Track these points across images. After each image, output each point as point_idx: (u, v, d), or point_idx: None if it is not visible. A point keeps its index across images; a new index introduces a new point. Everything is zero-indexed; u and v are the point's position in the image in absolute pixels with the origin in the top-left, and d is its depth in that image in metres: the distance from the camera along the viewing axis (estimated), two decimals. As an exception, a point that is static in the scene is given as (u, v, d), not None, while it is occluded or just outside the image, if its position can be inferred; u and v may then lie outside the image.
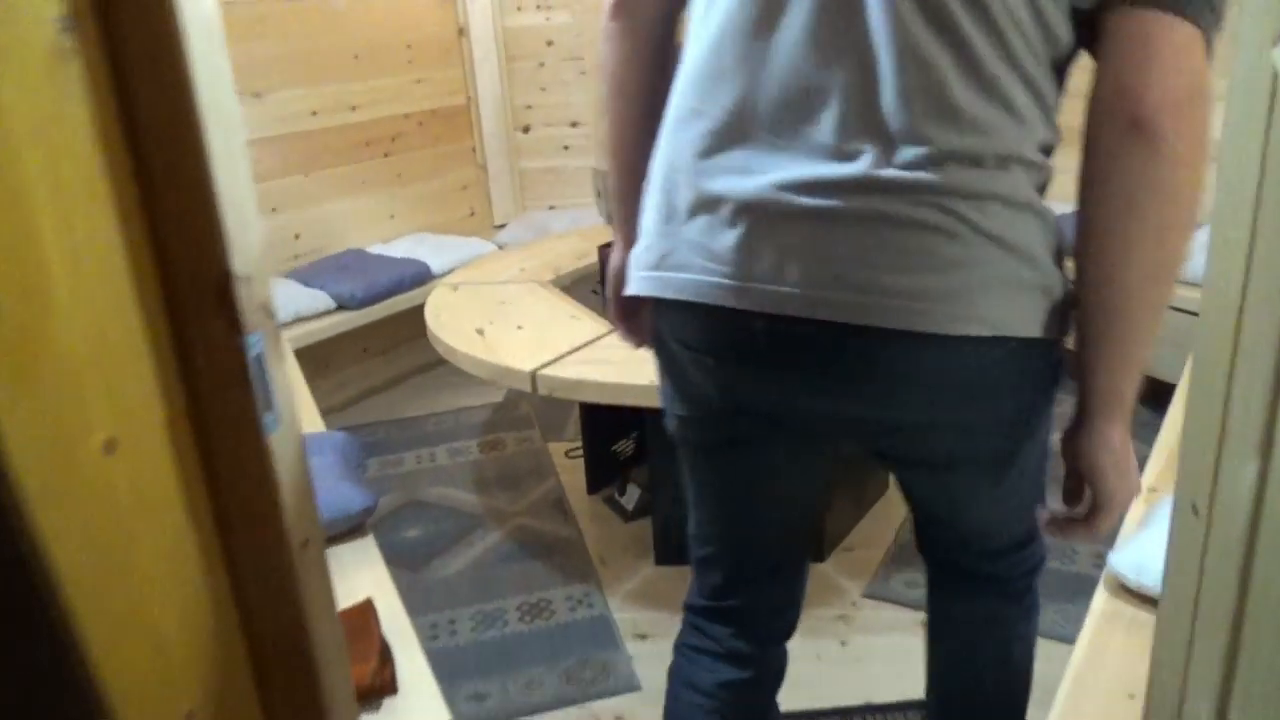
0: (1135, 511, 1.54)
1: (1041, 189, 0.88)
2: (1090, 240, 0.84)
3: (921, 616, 1.97)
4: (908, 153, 0.82)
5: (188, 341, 0.65)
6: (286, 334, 2.82)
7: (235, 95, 0.65)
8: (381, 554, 2.39)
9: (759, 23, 0.87)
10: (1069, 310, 0.90)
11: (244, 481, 0.69)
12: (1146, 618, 1.28)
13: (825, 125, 0.85)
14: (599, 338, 2.01)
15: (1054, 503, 1.00)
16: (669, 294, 0.94)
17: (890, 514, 2.40)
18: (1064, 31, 0.83)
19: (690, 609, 1.19)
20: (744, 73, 0.88)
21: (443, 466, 2.84)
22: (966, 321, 0.82)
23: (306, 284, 3.06)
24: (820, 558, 2.21)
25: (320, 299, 2.98)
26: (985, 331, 0.83)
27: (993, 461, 0.97)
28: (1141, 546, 1.34)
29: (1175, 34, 0.76)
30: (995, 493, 1.01)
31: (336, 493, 1.65)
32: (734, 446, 1.04)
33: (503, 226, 3.99)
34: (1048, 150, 0.87)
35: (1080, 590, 1.98)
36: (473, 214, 4.05)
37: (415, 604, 2.18)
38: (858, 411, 0.91)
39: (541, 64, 3.97)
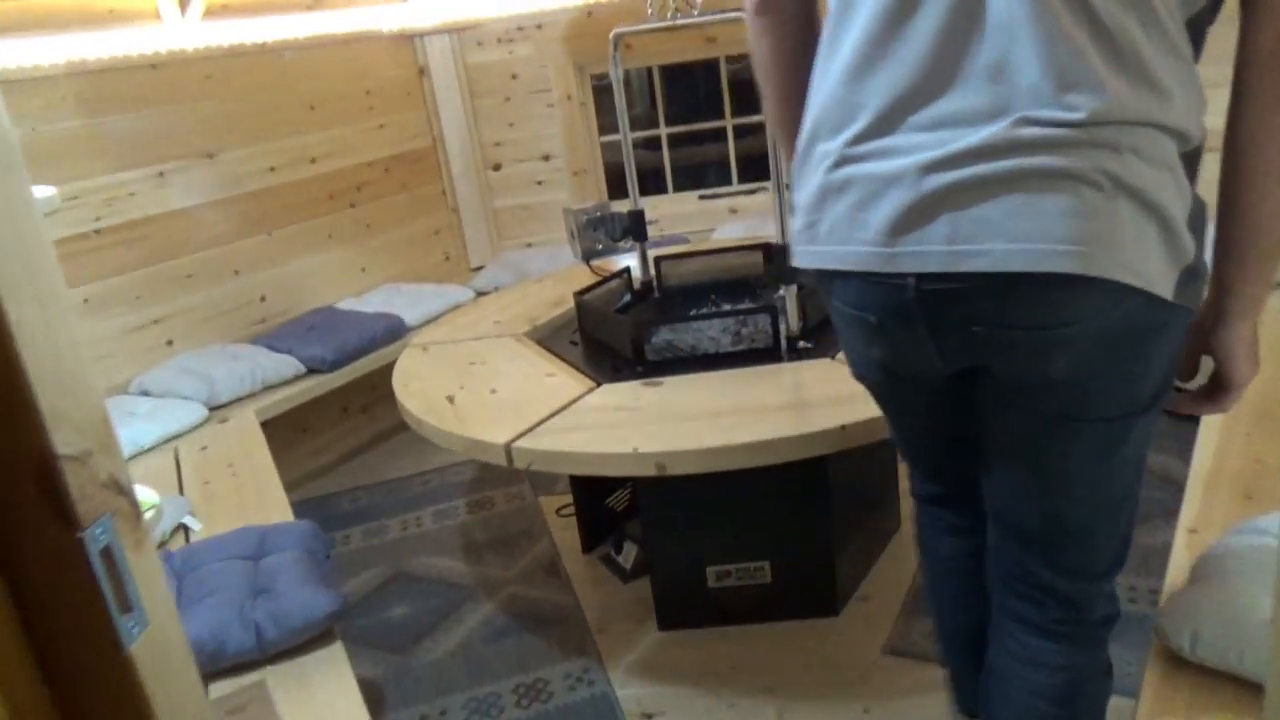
0: (1180, 557, 1.39)
1: (1189, 162, 0.91)
2: (1244, 173, 0.91)
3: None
4: (1047, 114, 0.86)
5: (6, 544, 0.51)
6: (255, 404, 2.67)
7: (43, 224, 0.51)
8: (367, 638, 2.25)
9: (899, 14, 0.92)
10: (1201, 286, 0.95)
11: (101, 709, 0.54)
12: (1208, 696, 1.13)
13: (968, 104, 0.89)
14: (579, 398, 1.86)
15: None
16: (829, 265, 1.02)
17: (903, 555, 2.25)
18: None
19: (914, 495, 1.36)
20: (889, 65, 0.93)
21: (429, 532, 2.68)
22: (1109, 266, 0.86)
23: (274, 349, 2.91)
24: (834, 610, 2.06)
25: (288, 364, 2.83)
26: (1128, 279, 0.87)
27: (1111, 423, 0.99)
28: (1194, 607, 1.19)
29: None
30: (1102, 466, 1.02)
31: (299, 598, 1.50)
32: (900, 383, 1.13)
33: (480, 269, 3.85)
34: (1191, 125, 0.89)
35: (1134, 634, 1.82)
36: (448, 258, 3.91)
37: (404, 693, 2.02)
38: (1000, 365, 0.98)
39: (507, 99, 3.84)
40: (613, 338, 2.15)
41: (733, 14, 1.85)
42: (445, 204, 3.89)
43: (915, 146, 0.91)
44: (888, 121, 0.94)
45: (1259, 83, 0.87)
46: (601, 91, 3.97)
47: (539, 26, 3.74)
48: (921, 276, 0.93)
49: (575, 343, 2.29)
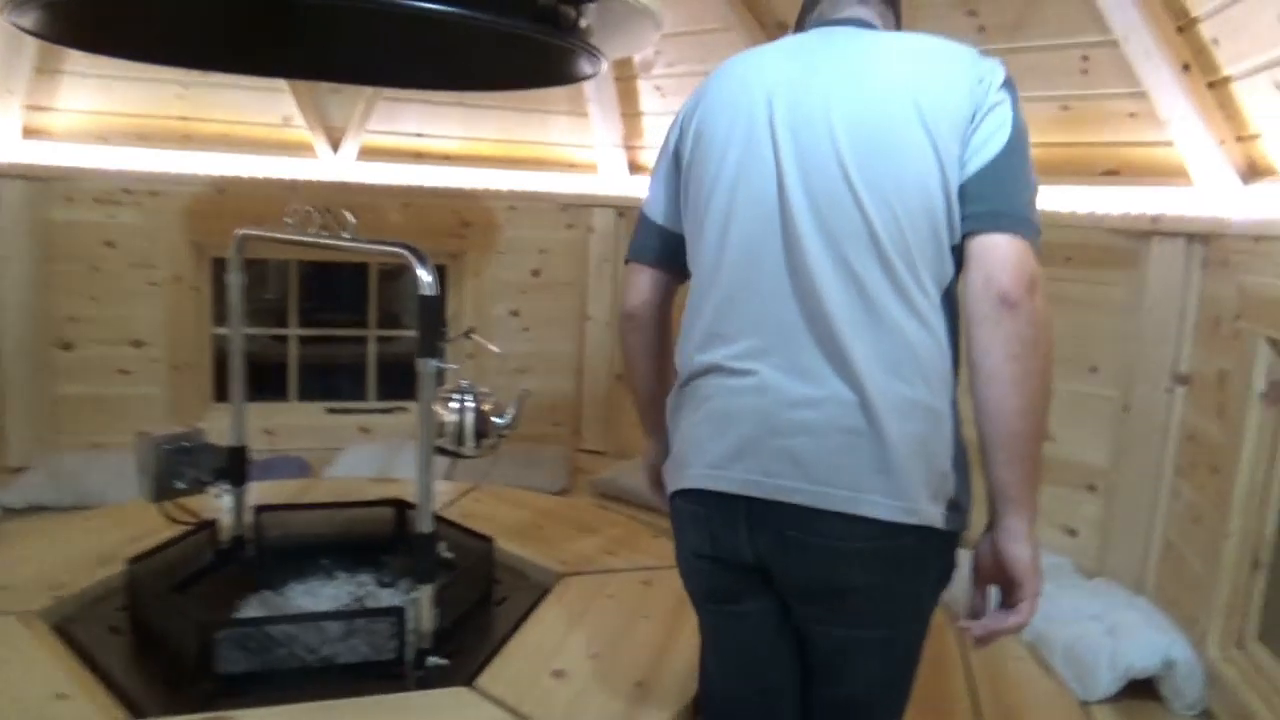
0: None
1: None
2: (985, 388, 1.08)
3: None
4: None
5: None
6: None
7: None
8: None
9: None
10: (966, 513, 1.15)
11: None
12: None
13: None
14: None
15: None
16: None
17: None
18: (949, 263, 1.13)
19: None
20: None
21: None
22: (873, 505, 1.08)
23: None
24: None
25: None
26: (896, 516, 1.08)
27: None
28: None
29: (1015, 244, 1.08)
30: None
31: None
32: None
33: (21, 470, 2.96)
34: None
35: None
36: (-26, 455, 2.98)
37: None
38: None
39: (95, 268, 3.14)
40: (172, 630, 1.57)
41: (385, 248, 1.51)
42: (-17, 384, 3.00)
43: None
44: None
45: (977, 307, 1.08)
46: (219, 277, 3.40)
47: (153, 194, 3.14)
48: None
49: (119, 631, 1.65)
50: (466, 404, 1.74)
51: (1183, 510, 2.18)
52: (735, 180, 1.15)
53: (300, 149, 3.32)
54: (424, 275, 1.44)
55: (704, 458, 1.15)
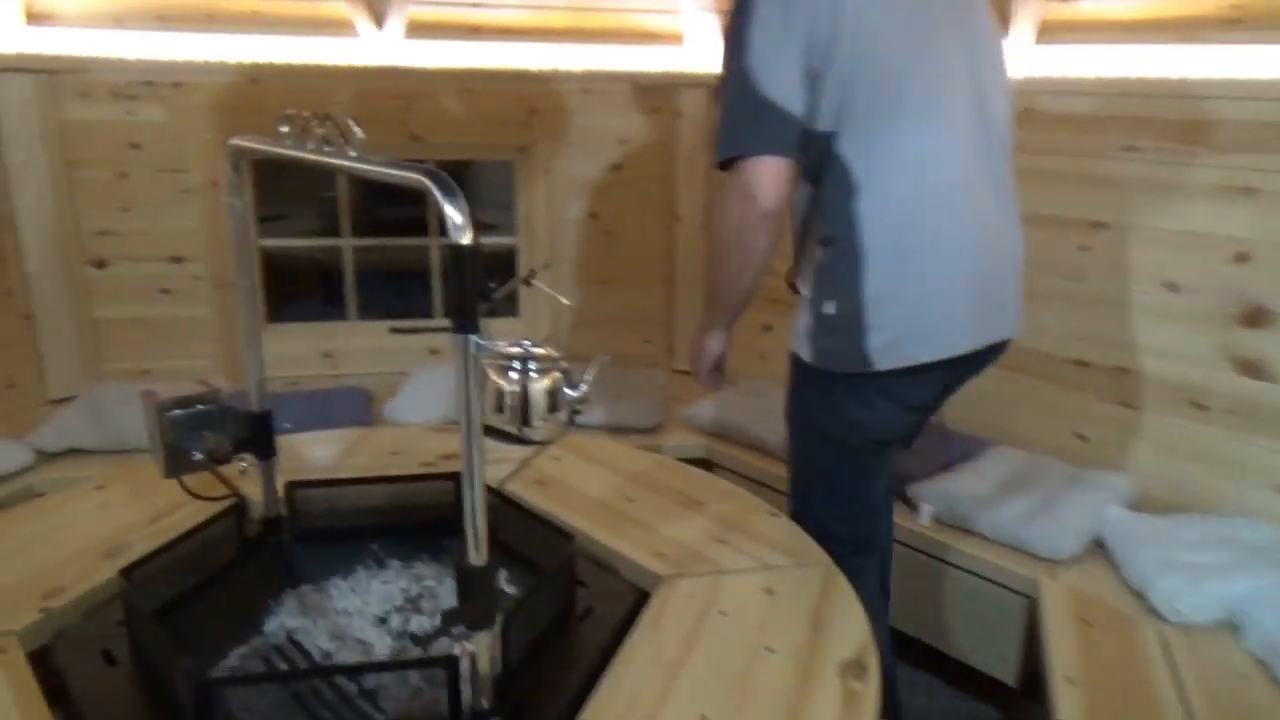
0: None
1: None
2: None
3: None
4: None
5: None
6: None
7: None
8: None
9: None
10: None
11: None
12: None
13: None
14: None
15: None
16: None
17: None
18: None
19: (857, 553, 1.68)
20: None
21: None
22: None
23: None
24: None
25: None
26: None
27: None
28: None
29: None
30: None
31: None
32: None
33: (66, 402, 2.71)
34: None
35: None
36: (12, 385, 2.73)
37: None
38: None
39: (123, 175, 2.78)
40: (165, 671, 1.23)
41: (397, 172, 1.07)
42: (13, 309, 2.72)
43: None
44: None
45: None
46: (267, 173, 3.02)
47: (176, 85, 2.73)
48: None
49: (114, 660, 1.33)
50: (531, 371, 1.31)
51: None
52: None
53: (339, 27, 2.85)
54: (453, 215, 1.00)
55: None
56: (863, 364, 1.51)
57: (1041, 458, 2.34)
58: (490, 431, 1.33)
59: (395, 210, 3.39)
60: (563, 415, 1.37)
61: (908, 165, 1.44)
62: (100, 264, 2.82)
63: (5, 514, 1.79)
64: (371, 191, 3.25)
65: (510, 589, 1.51)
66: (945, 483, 2.20)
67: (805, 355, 1.61)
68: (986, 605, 2.02)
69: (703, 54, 3.03)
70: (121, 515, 1.70)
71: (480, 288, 1.02)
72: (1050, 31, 2.36)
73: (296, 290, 3.61)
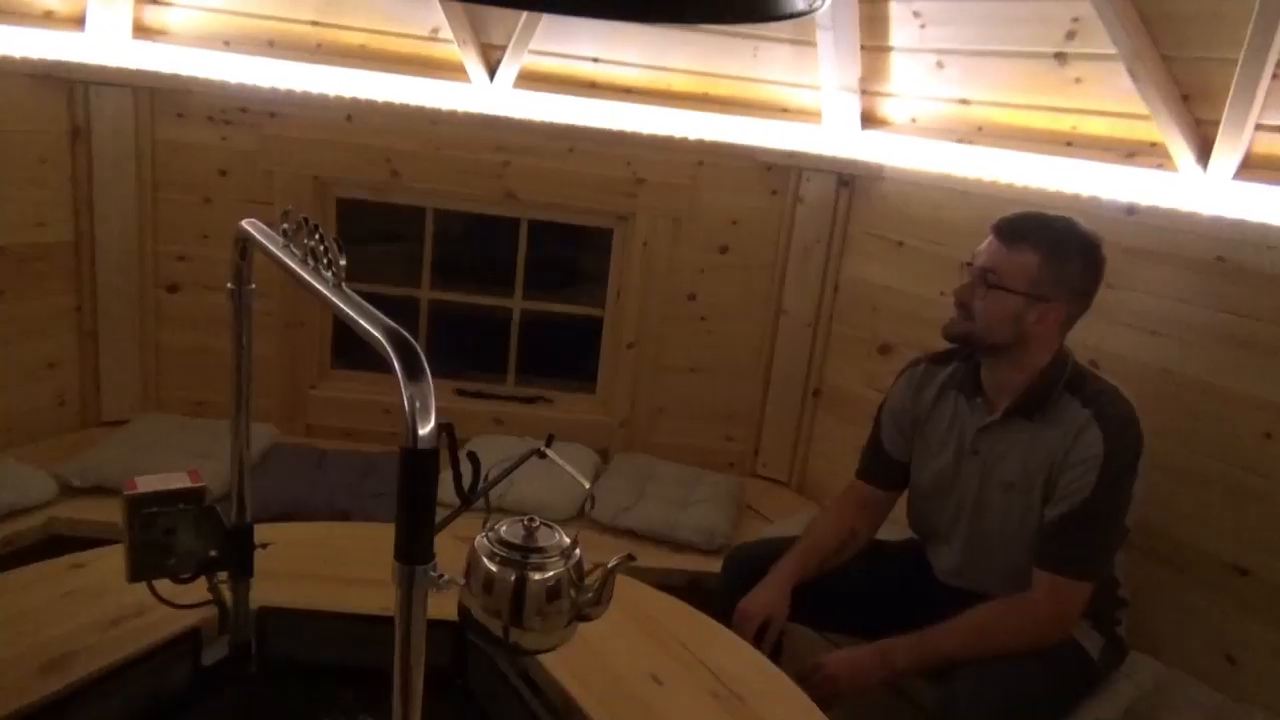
0: None
1: None
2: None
3: None
4: None
5: None
6: None
7: None
8: None
9: None
10: None
11: None
12: None
13: None
14: None
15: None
16: None
17: None
18: None
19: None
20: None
21: None
22: None
23: None
24: None
25: None
26: None
27: None
28: None
29: None
30: None
31: None
32: None
33: (120, 426, 2.60)
34: None
35: None
36: (62, 404, 2.63)
37: None
38: None
39: (208, 200, 2.67)
40: None
41: (364, 324, 0.81)
42: (77, 324, 2.63)
43: None
44: None
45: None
46: (357, 213, 2.86)
47: (271, 115, 2.61)
48: None
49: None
50: (530, 560, 1.03)
51: None
52: None
53: (448, 70, 2.68)
54: (411, 400, 0.73)
55: None
56: None
57: (1180, 677, 1.91)
58: (475, 630, 1.05)
59: (487, 268, 3.19)
60: (564, 617, 1.09)
61: None
62: (173, 288, 2.71)
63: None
64: (458, 241, 3.06)
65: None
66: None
67: None
68: None
69: (838, 136, 2.72)
70: (82, 611, 1.49)
71: (430, 496, 0.75)
72: (1256, 167, 1.95)
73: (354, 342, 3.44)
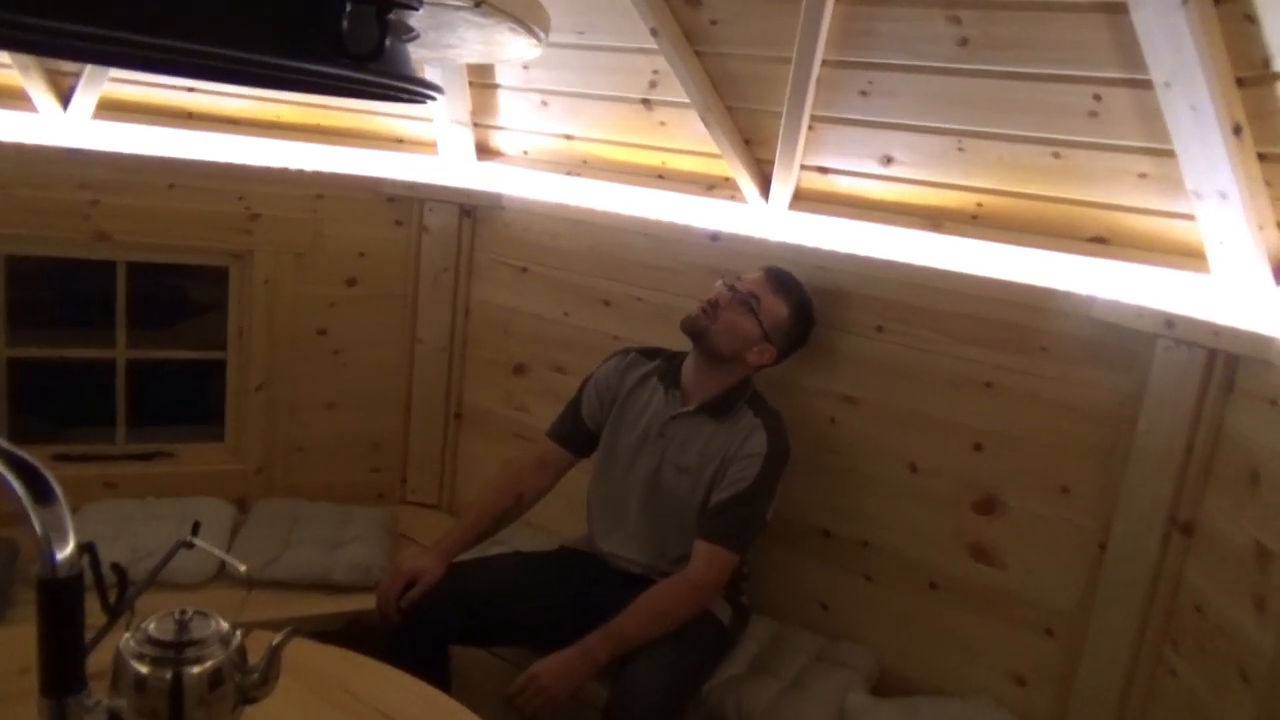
0: None
1: None
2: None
3: None
4: None
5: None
6: None
7: None
8: None
9: None
10: None
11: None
12: None
13: None
14: None
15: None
16: None
17: None
18: None
19: None
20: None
21: None
22: None
23: None
24: None
25: None
26: None
27: None
28: None
29: None
30: None
31: None
32: None
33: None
34: None
35: None
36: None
37: None
38: None
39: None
40: None
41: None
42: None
43: None
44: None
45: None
46: None
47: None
48: None
49: None
50: (185, 655, 1.00)
51: (1180, 693, 1.73)
52: None
53: (9, 98, 2.36)
54: (44, 531, 0.70)
55: None
56: None
57: (791, 629, 2.27)
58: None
59: (80, 315, 2.83)
60: (230, 705, 1.07)
61: None
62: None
63: None
64: (39, 288, 2.69)
65: None
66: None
67: None
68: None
69: (455, 167, 2.81)
70: None
71: (79, 631, 0.72)
72: (805, 200, 2.36)
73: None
